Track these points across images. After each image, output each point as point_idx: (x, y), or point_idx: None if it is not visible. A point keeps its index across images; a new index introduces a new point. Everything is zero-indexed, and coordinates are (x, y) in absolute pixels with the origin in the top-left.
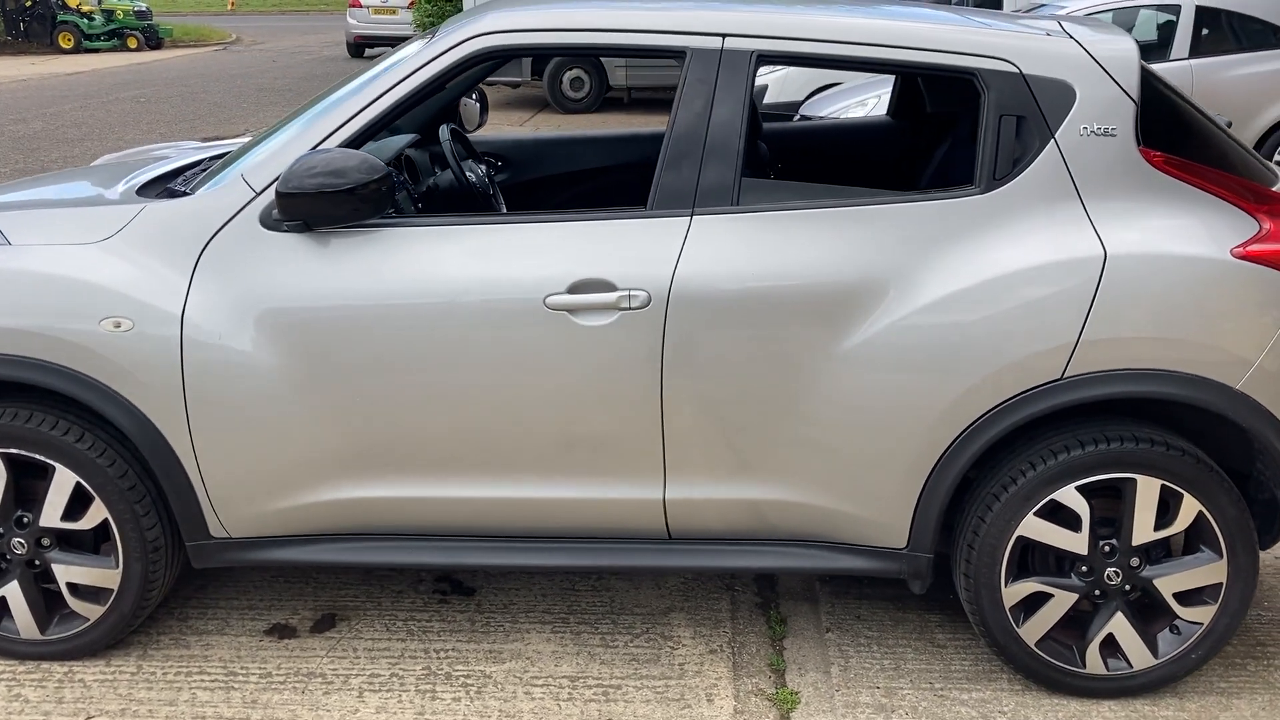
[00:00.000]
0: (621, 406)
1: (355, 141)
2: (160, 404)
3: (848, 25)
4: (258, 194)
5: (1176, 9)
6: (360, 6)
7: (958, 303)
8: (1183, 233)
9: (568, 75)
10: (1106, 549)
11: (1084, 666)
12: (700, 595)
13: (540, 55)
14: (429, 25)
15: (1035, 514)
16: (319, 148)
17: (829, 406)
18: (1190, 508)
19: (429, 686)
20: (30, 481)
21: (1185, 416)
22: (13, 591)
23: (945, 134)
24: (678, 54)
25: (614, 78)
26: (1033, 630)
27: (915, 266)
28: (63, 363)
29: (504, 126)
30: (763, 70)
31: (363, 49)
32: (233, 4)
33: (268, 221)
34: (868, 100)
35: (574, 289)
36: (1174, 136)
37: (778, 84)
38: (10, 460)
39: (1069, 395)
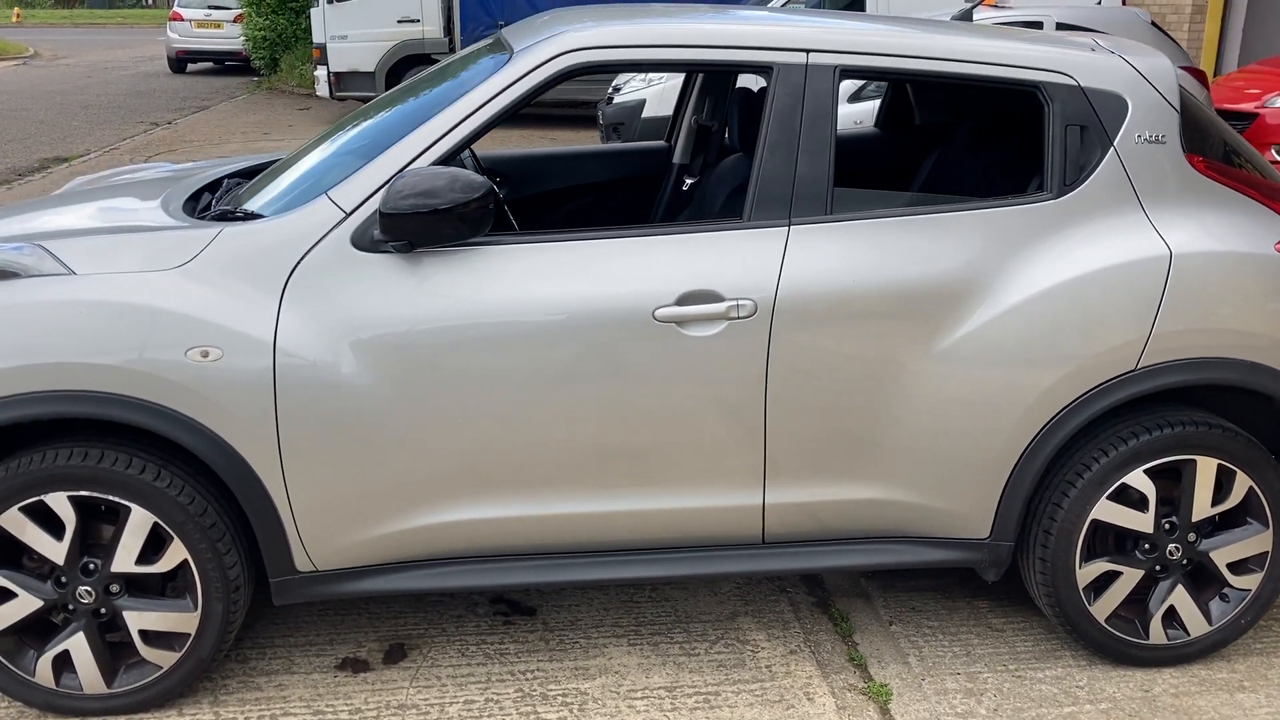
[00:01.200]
0: (727, 415)
1: (445, 161)
2: (250, 435)
3: (922, 42)
4: (348, 214)
5: (1040, 24)
6: (182, 20)
7: (1043, 301)
8: (1232, 231)
9: None
10: (1167, 526)
11: (1148, 638)
12: (758, 598)
13: (625, 70)
14: (260, 39)
15: (1108, 498)
16: (410, 168)
17: (924, 406)
18: (1243, 484)
19: (529, 708)
20: (96, 525)
21: (1226, 400)
22: (78, 645)
23: (934, 145)
24: (765, 69)
25: None
26: (1103, 608)
27: (1000, 268)
28: (145, 397)
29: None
30: (637, 84)
31: (185, 64)
32: (18, 16)
33: (361, 242)
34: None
35: (682, 300)
36: (1203, 142)
37: (656, 98)
38: (79, 504)
39: (1143, 385)
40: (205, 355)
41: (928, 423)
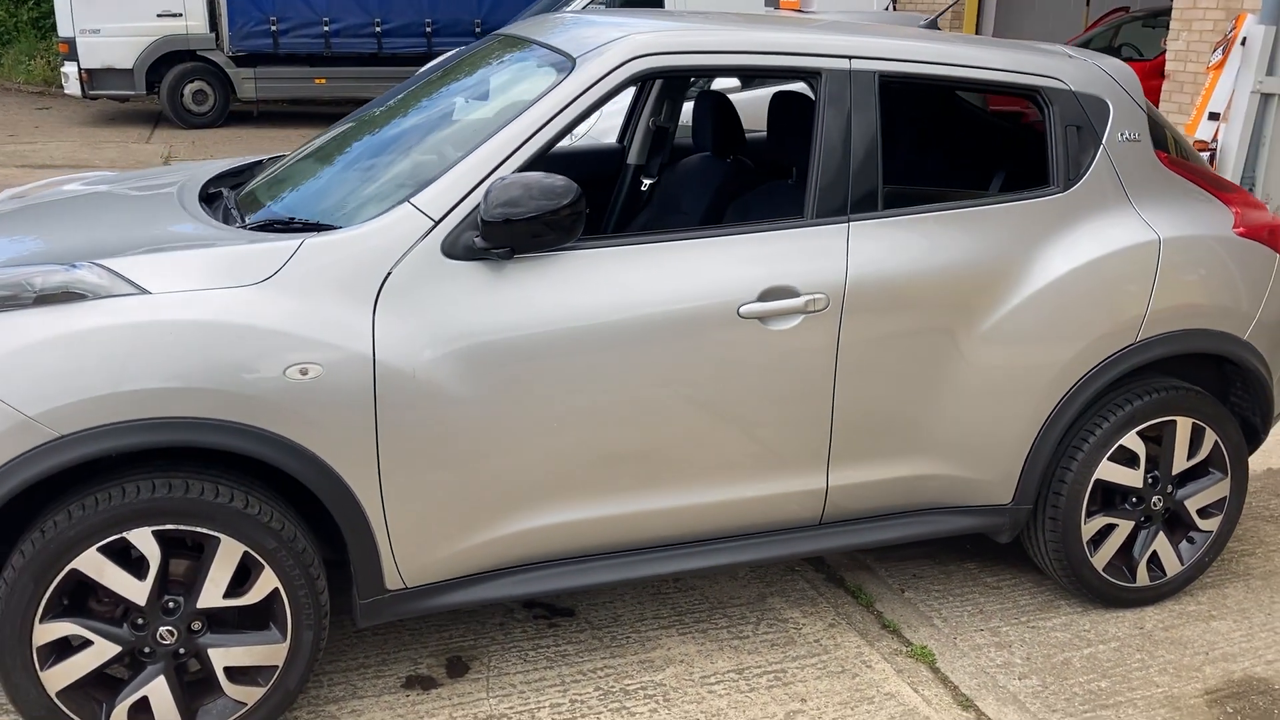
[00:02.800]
0: (800, 403)
1: (528, 167)
2: (349, 453)
3: (947, 50)
4: (437, 223)
5: None
6: None
7: (1061, 285)
8: (1200, 218)
9: (189, 88)
10: (1151, 480)
11: (1134, 581)
12: (776, 579)
13: (687, 76)
14: None
15: (1109, 459)
16: (494, 176)
17: (966, 384)
18: (1210, 439)
19: (616, 704)
20: (171, 560)
21: (1185, 366)
22: (158, 689)
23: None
24: (814, 74)
25: (242, 90)
26: (1101, 558)
27: (1024, 256)
28: (243, 420)
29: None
30: None
31: None
32: None
33: (453, 250)
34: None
35: (763, 296)
36: (1163, 139)
37: None
38: (163, 538)
39: (1142, 356)
40: (305, 373)
41: (967, 401)
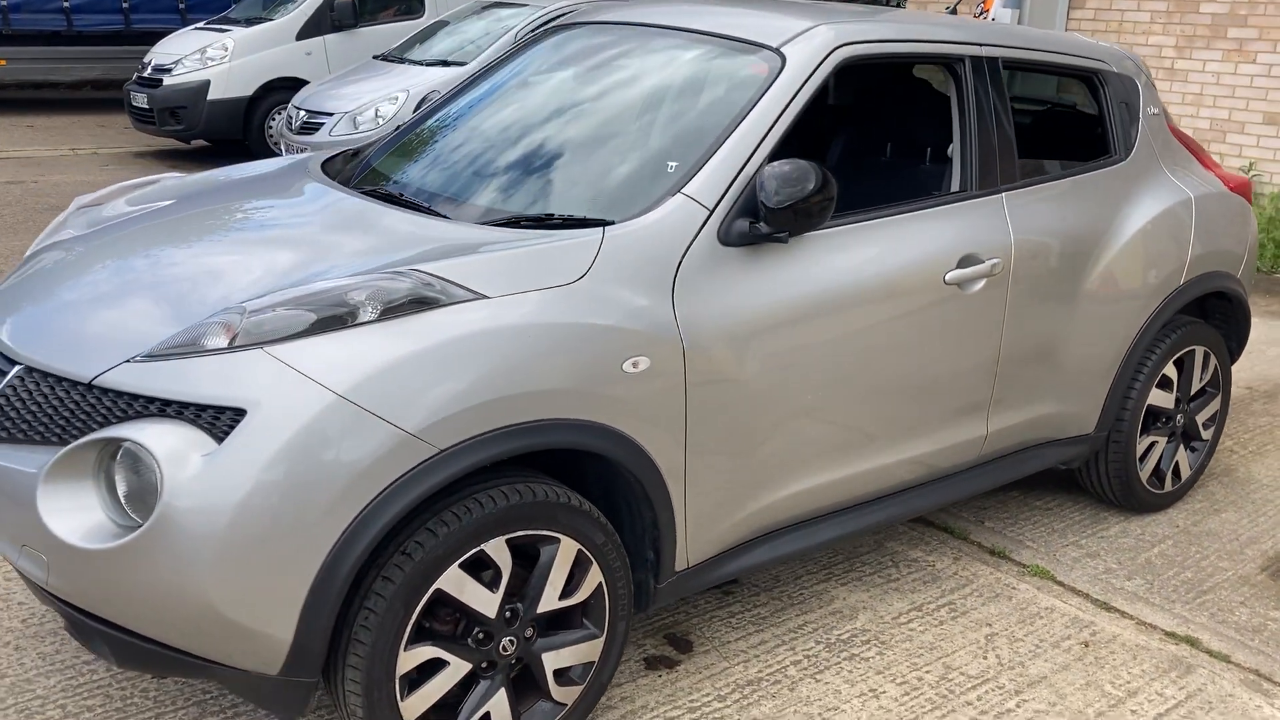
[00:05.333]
0: (979, 358)
1: (771, 158)
2: (663, 441)
3: (1039, 37)
4: (711, 211)
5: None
6: None
7: (1138, 237)
8: (1204, 177)
9: None
10: (1176, 401)
11: (1163, 488)
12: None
13: (872, 65)
14: None
15: (1157, 386)
16: (749, 166)
17: (1078, 331)
18: (1213, 363)
19: (845, 652)
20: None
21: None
22: (499, 704)
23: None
24: (958, 60)
25: None
26: (1144, 472)
27: (1113, 215)
28: (591, 417)
29: None
30: (192, 62)
31: None
32: None
33: (727, 238)
34: (397, 95)
35: (961, 264)
36: (1166, 113)
37: (222, 78)
38: (512, 547)
39: (1185, 296)
40: (635, 366)
41: (1077, 346)
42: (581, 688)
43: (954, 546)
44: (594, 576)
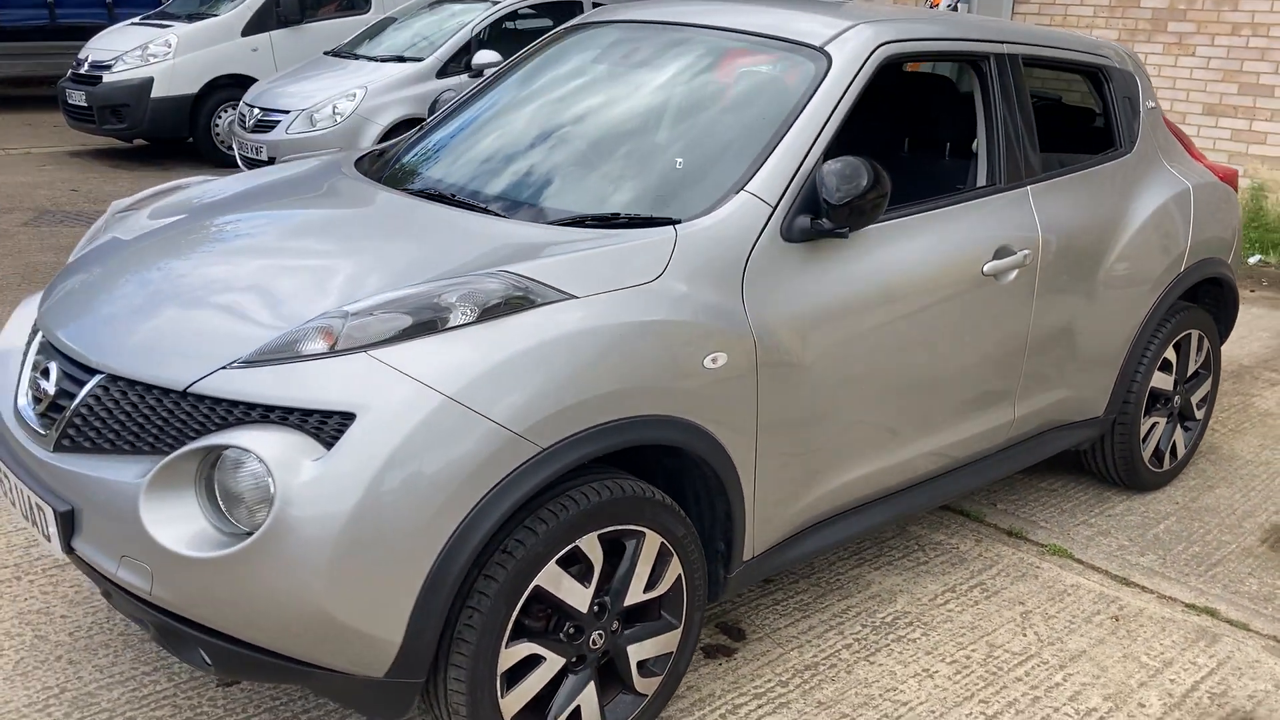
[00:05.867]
0: (1010, 346)
1: (826, 156)
2: (737, 434)
3: (1053, 35)
4: (774, 208)
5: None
6: None
7: (1146, 226)
8: (1196, 167)
9: None
10: (1175, 383)
11: (1162, 467)
12: None
13: (924, 60)
14: None
15: (1158, 369)
16: (807, 163)
17: (1094, 318)
18: (1205, 346)
19: (891, 634)
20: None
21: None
22: (588, 698)
23: None
24: (984, 57)
25: None
26: (1147, 451)
27: (1123, 205)
28: (676, 413)
29: None
30: (133, 58)
31: None
32: None
33: (789, 234)
34: (355, 92)
35: (996, 255)
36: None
37: (165, 75)
38: (604, 542)
39: (1185, 283)
40: (715, 361)
41: (1093, 333)
42: (660, 678)
43: (973, 529)
44: (674, 569)
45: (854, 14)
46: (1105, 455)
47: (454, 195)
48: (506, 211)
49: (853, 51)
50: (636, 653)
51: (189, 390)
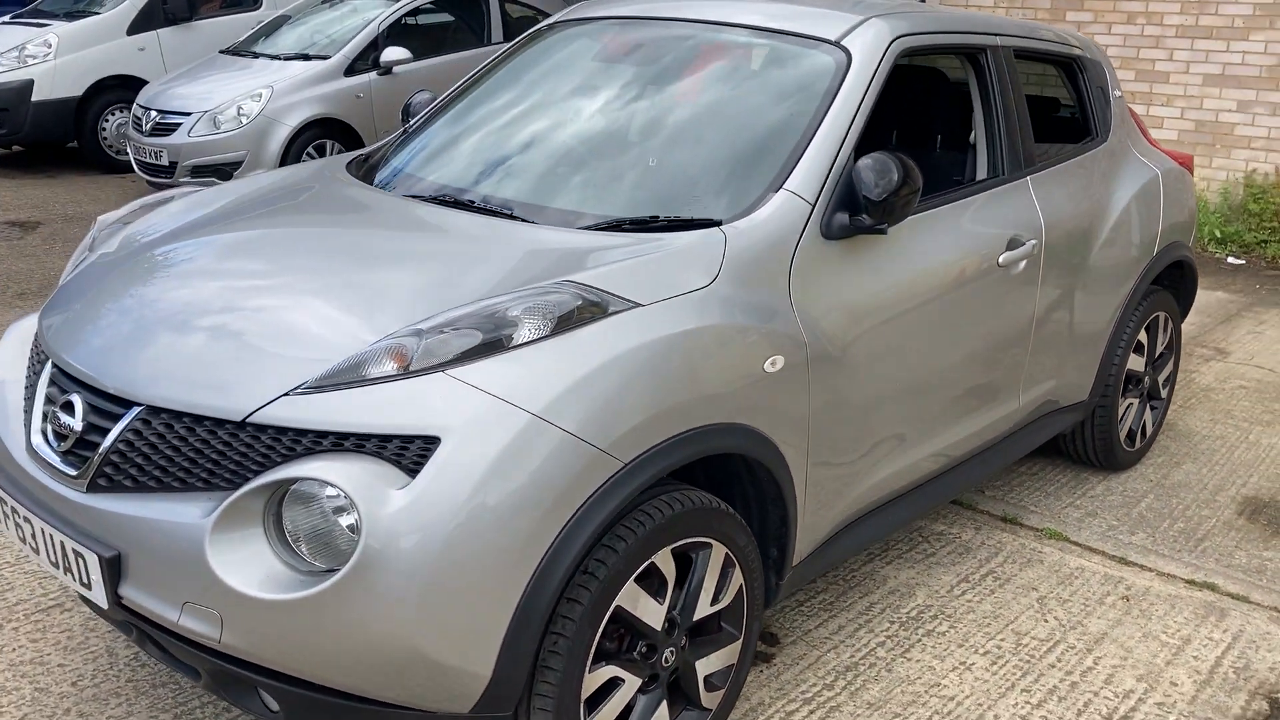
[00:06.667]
0: (1018, 335)
1: (857, 152)
2: (792, 438)
3: (1035, 28)
4: (813, 206)
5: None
6: None
7: (1126, 212)
8: (1158, 154)
9: None
10: (1153, 369)
11: (1134, 446)
12: None
13: (932, 54)
14: None
15: (1134, 352)
16: (841, 159)
17: (1084, 305)
18: (1171, 328)
19: (920, 628)
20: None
21: None
22: (662, 718)
23: None
24: (981, 50)
25: None
26: (1122, 432)
27: (1106, 191)
28: (740, 420)
29: None
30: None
31: None
32: None
33: (829, 231)
34: (260, 92)
35: (1009, 246)
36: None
37: (46, 77)
38: (676, 556)
39: (1160, 264)
40: (774, 365)
41: (1083, 315)
42: (723, 691)
43: (970, 518)
44: (736, 580)
45: (860, 8)
46: (1086, 437)
47: (473, 202)
48: (535, 217)
49: (871, 45)
50: (704, 668)
51: (248, 420)
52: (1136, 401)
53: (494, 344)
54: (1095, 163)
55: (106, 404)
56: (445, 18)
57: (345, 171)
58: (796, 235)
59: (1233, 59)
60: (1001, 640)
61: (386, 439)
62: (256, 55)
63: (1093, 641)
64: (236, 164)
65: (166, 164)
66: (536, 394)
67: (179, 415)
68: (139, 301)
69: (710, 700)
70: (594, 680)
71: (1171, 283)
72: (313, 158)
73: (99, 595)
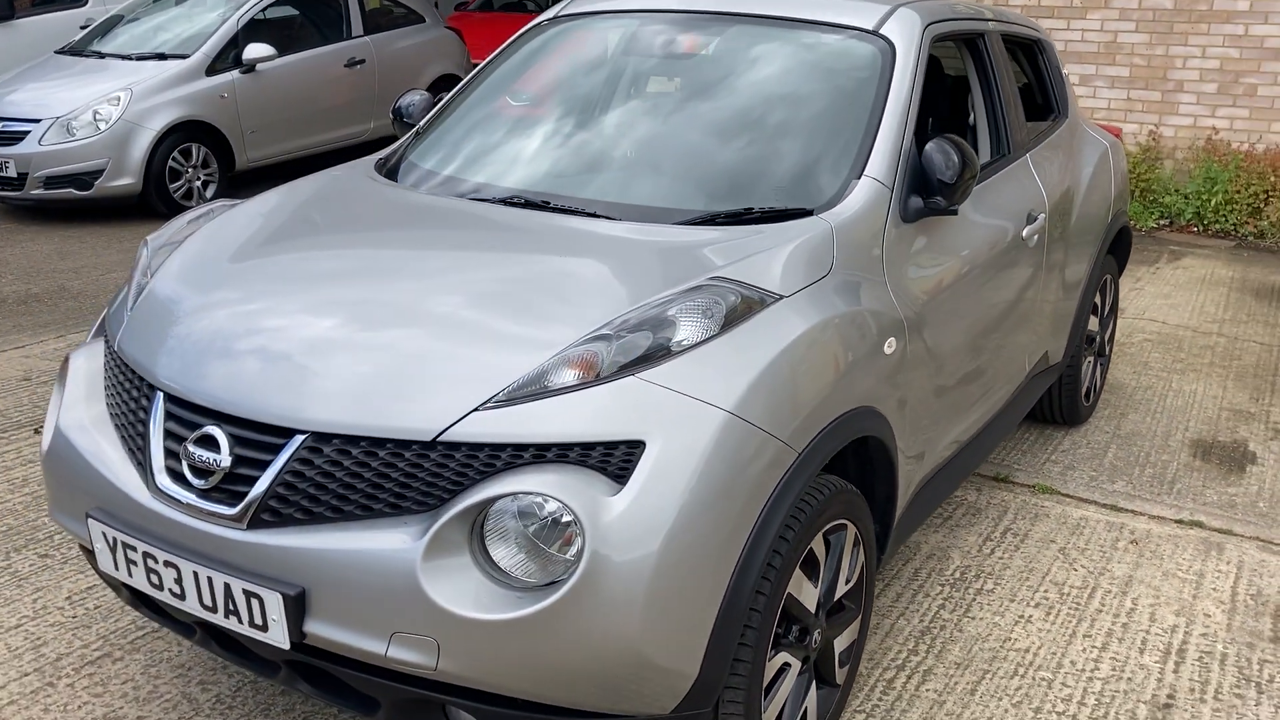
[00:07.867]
0: (1031, 302)
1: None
2: (897, 415)
3: (1008, 12)
4: (892, 191)
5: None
6: None
7: (1090, 182)
8: (1099, 128)
9: None
10: (1101, 327)
11: (1090, 401)
12: None
13: (949, 40)
14: None
15: (1093, 314)
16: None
17: (1067, 270)
18: (1113, 289)
19: (971, 586)
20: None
21: None
22: (813, 700)
23: None
24: (981, 35)
25: None
26: (1083, 388)
27: (1075, 164)
28: (871, 403)
29: None
30: None
31: None
32: None
33: (905, 214)
34: (118, 95)
35: (1028, 220)
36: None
37: None
38: (825, 540)
39: (1113, 230)
40: (890, 347)
41: (1067, 284)
42: (849, 667)
43: (973, 482)
44: (859, 557)
45: None
46: (1056, 395)
47: (548, 203)
48: (623, 215)
49: (909, 33)
50: (839, 645)
51: (439, 439)
52: (1092, 358)
53: (667, 345)
54: (1063, 139)
55: (256, 434)
56: (290, 11)
57: (382, 176)
58: (883, 220)
59: (1073, 36)
60: (1046, 592)
61: (589, 447)
62: (102, 55)
63: (1124, 585)
64: (97, 173)
65: (15, 176)
66: (727, 391)
67: (354, 440)
68: (265, 327)
69: (841, 676)
70: (771, 668)
71: (1114, 246)
72: (179, 164)
73: (278, 635)
